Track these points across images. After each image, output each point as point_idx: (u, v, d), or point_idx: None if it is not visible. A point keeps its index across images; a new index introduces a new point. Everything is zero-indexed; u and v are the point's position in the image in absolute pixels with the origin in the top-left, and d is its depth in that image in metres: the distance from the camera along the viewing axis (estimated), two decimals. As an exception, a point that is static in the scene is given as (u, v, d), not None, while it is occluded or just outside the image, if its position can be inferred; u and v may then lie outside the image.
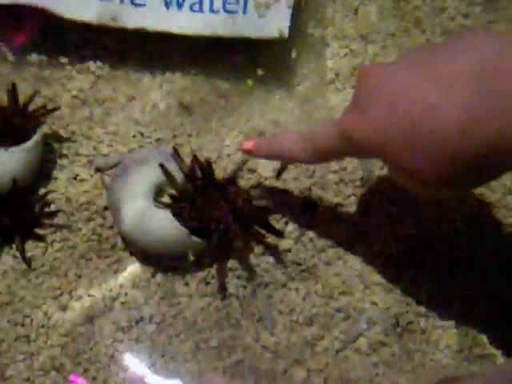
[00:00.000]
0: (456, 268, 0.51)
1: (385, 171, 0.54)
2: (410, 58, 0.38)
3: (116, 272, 0.52)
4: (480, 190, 0.53)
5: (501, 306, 0.50)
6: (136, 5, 0.55)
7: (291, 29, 0.54)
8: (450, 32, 0.57)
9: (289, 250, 0.52)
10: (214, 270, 0.51)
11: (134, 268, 0.52)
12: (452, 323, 0.50)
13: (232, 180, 0.51)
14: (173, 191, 0.50)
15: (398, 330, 0.50)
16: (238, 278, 0.51)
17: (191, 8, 0.54)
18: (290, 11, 0.53)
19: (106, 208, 0.53)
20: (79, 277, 0.52)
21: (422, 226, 0.52)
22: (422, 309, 0.51)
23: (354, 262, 0.52)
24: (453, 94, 0.35)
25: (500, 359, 0.49)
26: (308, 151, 0.44)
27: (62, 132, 0.56)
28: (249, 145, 0.48)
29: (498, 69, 0.34)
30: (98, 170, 0.54)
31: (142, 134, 0.55)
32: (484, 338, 0.50)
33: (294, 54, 0.57)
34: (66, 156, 0.55)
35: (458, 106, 0.35)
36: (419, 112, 0.36)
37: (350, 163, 0.54)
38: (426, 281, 0.51)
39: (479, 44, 0.35)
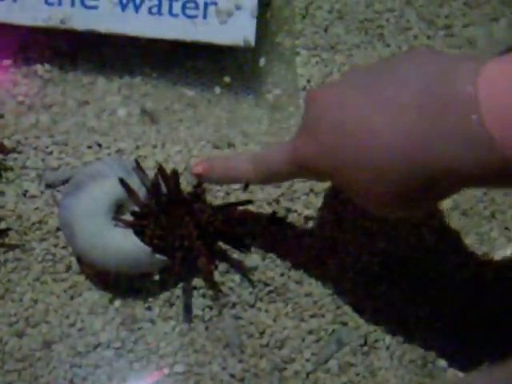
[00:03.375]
0: (424, 283, 0.57)
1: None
2: (355, 79, 0.42)
3: (72, 298, 0.55)
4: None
5: (467, 320, 0.56)
6: (87, 7, 0.57)
7: (259, 38, 0.59)
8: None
9: (255, 268, 0.56)
10: (178, 290, 0.55)
11: (89, 294, 0.55)
12: (418, 337, 0.56)
13: (197, 194, 0.54)
14: (135, 208, 0.53)
15: (365, 348, 0.55)
16: (203, 296, 0.55)
17: (150, 11, 0.57)
18: (254, 21, 0.58)
19: (59, 228, 0.55)
20: (35, 302, 0.55)
21: (392, 240, 0.57)
22: (389, 325, 0.56)
23: (326, 281, 0.56)
24: (395, 121, 0.38)
25: (459, 374, 0.55)
26: (258, 174, 0.48)
27: (6, 142, 0.57)
28: (198, 169, 0.51)
29: (440, 94, 0.37)
30: (49, 185, 0.56)
31: (99, 145, 0.58)
32: (448, 352, 0.56)
33: (262, 62, 0.62)
34: (11, 169, 0.57)
35: (400, 133, 0.38)
36: (364, 138, 0.39)
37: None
38: (395, 297, 0.56)
39: (422, 67, 0.39)
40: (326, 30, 0.63)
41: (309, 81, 0.61)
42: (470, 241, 0.58)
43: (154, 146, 0.58)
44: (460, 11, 0.64)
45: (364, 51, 0.63)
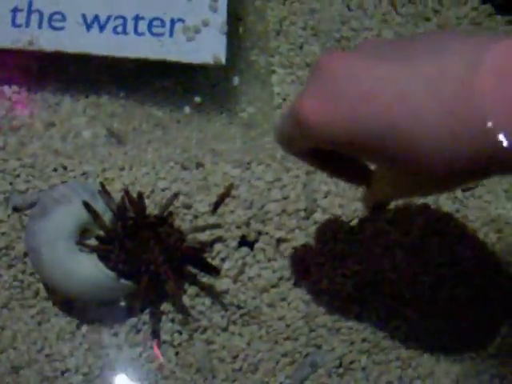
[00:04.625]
0: (398, 304, 0.56)
1: (328, 200, 0.59)
2: (381, 49, 0.40)
3: (40, 324, 0.56)
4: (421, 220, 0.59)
5: (442, 341, 0.56)
6: (54, 28, 0.58)
7: (232, 55, 0.59)
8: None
9: (226, 291, 0.56)
10: (145, 316, 0.55)
11: (57, 320, 0.56)
12: (393, 357, 0.56)
13: (164, 218, 0.54)
14: (100, 232, 0.54)
15: (341, 370, 0.56)
16: (172, 321, 0.55)
17: (114, 30, 0.58)
18: (224, 37, 0.58)
19: (26, 253, 0.56)
20: (2, 329, 0.56)
21: (365, 261, 0.57)
22: (365, 346, 0.56)
23: (299, 303, 0.56)
24: (440, 95, 0.37)
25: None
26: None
27: (-27, 166, 0.58)
28: None
29: (477, 71, 0.36)
30: (16, 209, 0.57)
31: (64, 168, 0.59)
32: (425, 370, 0.56)
33: (236, 81, 0.62)
34: (-22, 193, 0.58)
35: (446, 109, 0.36)
36: (401, 111, 0.38)
37: (293, 191, 0.59)
38: (370, 318, 0.56)
39: (463, 42, 0.37)
40: (300, 48, 0.64)
41: (284, 99, 0.62)
42: (443, 260, 0.57)
43: (121, 169, 0.59)
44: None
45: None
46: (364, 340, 0.56)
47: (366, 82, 0.39)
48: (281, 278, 0.57)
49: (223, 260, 0.57)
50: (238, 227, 0.57)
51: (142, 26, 0.58)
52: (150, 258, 0.53)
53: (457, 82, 0.37)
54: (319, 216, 0.58)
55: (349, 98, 0.40)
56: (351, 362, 0.56)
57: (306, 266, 0.57)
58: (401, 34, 0.64)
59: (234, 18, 0.62)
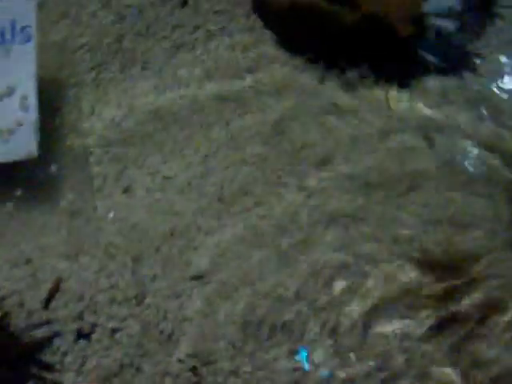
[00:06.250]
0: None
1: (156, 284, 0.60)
2: None
3: None
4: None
5: None
6: None
7: (48, 145, 0.61)
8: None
9: (72, 384, 0.57)
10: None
11: None
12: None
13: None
14: None
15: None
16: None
17: None
18: (36, 133, 0.60)
19: None
20: None
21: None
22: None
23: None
24: None
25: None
26: None
27: None
28: None
29: None
30: None
31: None
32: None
33: (53, 169, 0.63)
34: None
35: None
36: None
37: (121, 277, 0.60)
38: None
39: None
40: (117, 125, 0.65)
41: (104, 180, 0.63)
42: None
43: None
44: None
45: (160, 140, 0.65)
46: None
47: None
48: (122, 366, 0.58)
49: (64, 354, 0.57)
50: (73, 321, 0.58)
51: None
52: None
53: None
54: (150, 300, 0.60)
55: None
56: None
57: (145, 351, 0.58)
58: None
59: (50, 109, 0.63)
